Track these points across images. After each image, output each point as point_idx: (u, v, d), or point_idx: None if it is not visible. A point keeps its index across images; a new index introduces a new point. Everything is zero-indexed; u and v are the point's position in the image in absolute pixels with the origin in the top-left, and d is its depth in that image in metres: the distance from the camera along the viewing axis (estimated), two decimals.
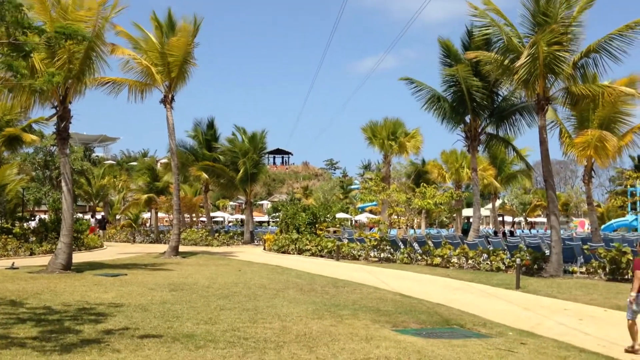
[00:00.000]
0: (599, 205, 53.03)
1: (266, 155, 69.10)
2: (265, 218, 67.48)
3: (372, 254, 25.10)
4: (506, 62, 19.18)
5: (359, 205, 62.29)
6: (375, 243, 25.12)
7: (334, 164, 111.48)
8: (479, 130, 26.43)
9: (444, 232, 42.95)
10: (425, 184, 34.15)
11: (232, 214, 71.50)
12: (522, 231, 51.16)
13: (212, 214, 53.02)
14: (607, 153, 21.80)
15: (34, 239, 27.43)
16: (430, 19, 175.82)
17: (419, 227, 46.46)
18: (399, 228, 37.27)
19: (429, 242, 24.29)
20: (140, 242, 41.72)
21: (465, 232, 30.48)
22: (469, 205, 49.92)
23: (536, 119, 20.13)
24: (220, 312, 10.69)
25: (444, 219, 57.09)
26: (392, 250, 24.32)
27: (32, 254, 25.05)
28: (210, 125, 42.10)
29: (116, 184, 53.37)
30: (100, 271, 18.52)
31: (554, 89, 19.60)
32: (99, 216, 51.79)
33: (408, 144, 39.02)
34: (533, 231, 52.44)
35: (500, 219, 54.50)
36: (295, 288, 14.58)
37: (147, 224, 56.26)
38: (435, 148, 77.20)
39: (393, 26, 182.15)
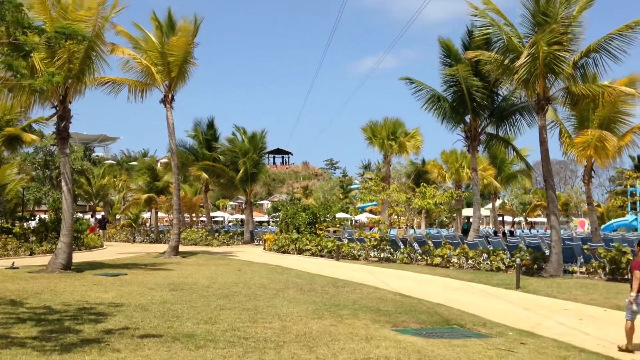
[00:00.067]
0: (599, 205, 53.03)
1: (266, 155, 69.11)
2: (265, 218, 67.49)
3: (372, 254, 25.10)
4: (506, 61, 19.19)
5: (359, 205, 62.33)
6: (375, 243, 25.11)
7: (334, 164, 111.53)
8: (479, 130, 26.43)
9: (444, 232, 42.94)
10: (425, 184, 34.16)
11: (232, 214, 71.50)
12: (522, 231, 51.17)
13: (212, 214, 53.03)
14: (607, 153, 21.80)
15: (34, 238, 27.43)
16: (430, 18, 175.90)
17: (419, 227, 46.47)
18: (399, 228, 37.27)
19: (429, 242, 24.29)
20: (140, 242, 41.72)
21: (465, 232, 30.48)
22: (469, 205, 49.92)
23: (536, 118, 20.13)
24: (220, 311, 10.69)
25: (444, 219, 57.10)
26: (392, 250, 24.32)
27: (32, 253, 25.05)
28: (210, 125, 42.13)
29: (116, 184, 53.36)
30: (100, 271, 18.52)
31: (554, 89, 19.61)
32: (99, 216, 51.80)
33: (408, 143, 39.02)
34: (533, 231, 52.45)
35: (500, 218, 54.51)
36: (295, 288, 14.58)
37: (147, 224, 56.26)
38: (435, 148, 77.23)
39: (393, 26, 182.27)
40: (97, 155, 74.93)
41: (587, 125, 23.15)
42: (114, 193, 55.85)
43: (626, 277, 16.24)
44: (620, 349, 8.30)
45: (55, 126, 19.82)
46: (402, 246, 24.26)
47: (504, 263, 19.59)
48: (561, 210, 49.57)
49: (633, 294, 8.16)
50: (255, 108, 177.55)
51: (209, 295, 12.86)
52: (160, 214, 49.94)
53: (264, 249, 32.74)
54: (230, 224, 62.07)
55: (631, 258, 16.06)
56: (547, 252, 19.66)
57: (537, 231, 51.32)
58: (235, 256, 27.27)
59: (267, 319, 9.96)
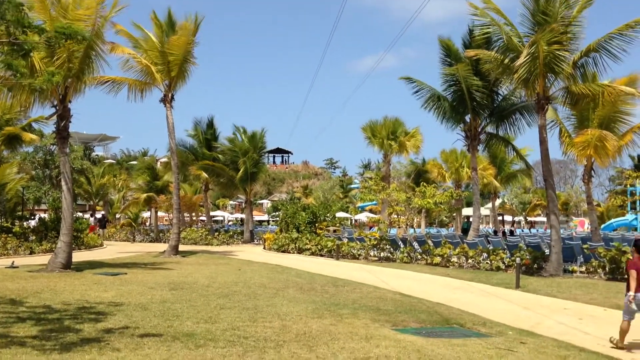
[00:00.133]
0: (598, 205, 53.05)
1: (266, 155, 69.13)
2: (265, 217, 67.50)
3: (372, 253, 25.10)
4: (506, 61, 19.19)
5: (359, 204, 62.34)
6: (375, 242, 25.12)
7: (334, 163, 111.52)
8: (479, 130, 26.43)
9: (443, 231, 42.96)
10: (425, 184, 34.16)
11: (232, 213, 71.52)
12: (522, 230, 51.19)
13: (212, 213, 53.07)
14: (607, 152, 21.80)
15: (33, 238, 27.42)
16: (430, 18, 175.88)
17: (419, 226, 46.49)
18: (399, 227, 37.27)
19: (429, 242, 24.30)
20: (140, 241, 41.72)
21: (465, 231, 30.49)
22: (468, 205, 49.94)
23: (536, 118, 20.13)
24: (220, 311, 10.69)
25: (444, 218, 57.12)
26: (391, 249, 24.33)
27: (31, 252, 25.06)
28: (210, 124, 42.15)
29: (116, 183, 53.39)
30: (100, 270, 18.52)
31: (554, 89, 19.61)
32: (99, 215, 51.79)
33: (408, 143, 39.02)
34: (533, 230, 52.46)
35: (500, 218, 54.53)
36: (295, 287, 14.58)
37: (147, 223, 56.26)
38: (435, 147, 77.14)
39: (393, 25, 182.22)
40: (97, 155, 74.95)
41: (587, 125, 23.16)
42: (114, 192, 55.87)
43: (626, 276, 16.23)
44: (611, 342, 8.40)
45: (55, 125, 19.81)
46: (402, 245, 24.26)
47: (503, 262, 19.59)
48: (561, 210, 49.58)
49: (632, 293, 8.19)
50: (255, 107, 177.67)
51: (209, 295, 12.86)
52: (160, 213, 49.92)
53: (264, 248, 32.75)
54: (230, 223, 62.09)
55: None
56: (547, 251, 19.66)
57: (537, 230, 51.33)
58: (235, 255, 27.28)
59: (267, 318, 9.96)
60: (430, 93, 26.21)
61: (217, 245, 36.65)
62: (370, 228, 45.25)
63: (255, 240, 39.62)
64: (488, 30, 19.95)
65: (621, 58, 18.09)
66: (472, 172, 27.46)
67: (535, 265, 18.65)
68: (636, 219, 44.02)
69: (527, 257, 18.85)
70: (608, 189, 74.39)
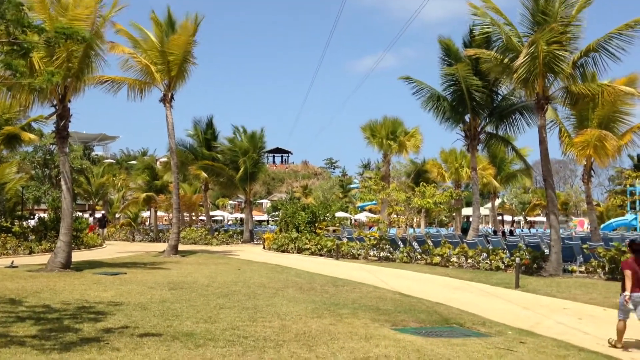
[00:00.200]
0: (598, 205, 53.06)
1: (265, 154, 69.13)
2: (264, 217, 67.48)
3: (371, 253, 25.10)
4: (506, 60, 19.19)
5: (359, 204, 62.32)
6: (374, 242, 25.12)
7: (334, 163, 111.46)
8: (479, 130, 26.43)
9: (443, 231, 42.97)
10: (424, 183, 34.15)
11: (231, 213, 71.52)
12: (522, 230, 51.21)
13: (211, 213, 53.06)
14: (606, 152, 21.80)
15: (33, 237, 27.41)
16: (430, 18, 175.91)
17: (419, 226, 46.47)
18: (399, 227, 37.28)
19: (429, 241, 24.31)
20: (140, 241, 41.69)
21: (465, 231, 30.49)
22: (468, 205, 49.92)
23: (536, 118, 20.14)
24: (219, 310, 10.69)
25: (444, 218, 57.11)
26: (391, 249, 24.33)
27: (31, 252, 25.04)
28: (209, 124, 42.10)
29: (115, 183, 53.36)
30: (99, 270, 18.52)
31: (554, 88, 19.62)
32: (98, 215, 51.75)
33: (407, 142, 38.98)
34: (532, 230, 52.48)
35: (499, 218, 54.53)
36: (295, 287, 14.58)
37: (147, 223, 56.24)
38: (435, 147, 77.30)
39: (392, 25, 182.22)
40: (97, 154, 74.97)
41: (587, 125, 23.15)
42: (113, 192, 55.85)
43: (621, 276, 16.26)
44: (609, 344, 8.44)
45: (54, 125, 19.81)
46: (401, 245, 24.27)
47: (503, 262, 19.60)
48: (560, 210, 49.57)
49: (627, 293, 8.26)
50: (255, 107, 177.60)
51: (209, 294, 12.86)
52: (159, 213, 49.90)
53: (264, 248, 32.74)
54: (229, 223, 62.09)
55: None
56: (546, 251, 19.67)
57: (537, 230, 51.36)
58: (235, 255, 27.28)
59: (267, 318, 9.96)
60: (430, 93, 26.20)
61: (217, 245, 36.63)
62: (370, 228, 45.24)
63: (255, 240, 39.60)
64: (488, 30, 19.95)
65: (621, 58, 18.14)
66: (471, 171, 27.46)
67: (535, 265, 18.65)
68: (636, 218, 44.05)
69: (527, 257, 18.86)
70: (607, 189, 74.43)
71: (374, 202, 51.67)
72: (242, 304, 11.51)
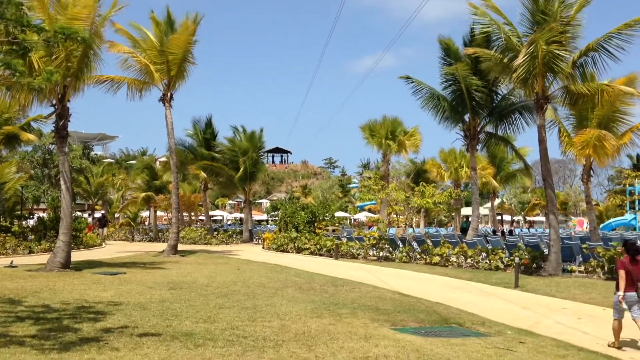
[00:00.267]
0: (597, 204, 53.11)
1: (265, 154, 69.08)
2: (264, 217, 67.49)
3: (371, 253, 25.10)
4: (505, 60, 19.19)
5: (358, 204, 62.31)
6: (374, 242, 25.12)
7: (333, 163, 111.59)
8: (478, 129, 26.41)
9: (442, 231, 42.95)
10: (424, 183, 34.15)
11: (231, 213, 71.50)
12: (521, 230, 51.22)
13: (211, 213, 53.03)
14: (605, 152, 21.78)
15: (32, 237, 27.40)
16: (429, 17, 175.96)
17: (418, 225, 46.50)
18: (398, 227, 37.30)
19: (428, 241, 24.31)
20: (139, 241, 41.67)
21: (464, 231, 30.50)
22: (467, 204, 49.90)
23: (535, 118, 20.14)
24: (219, 310, 10.69)
25: (443, 218, 57.12)
26: (390, 249, 24.33)
27: (30, 252, 25.03)
28: (209, 123, 42.07)
29: (114, 182, 53.33)
30: (99, 269, 18.51)
31: (553, 88, 19.62)
32: (98, 214, 51.70)
33: (407, 142, 38.99)
34: (532, 230, 52.48)
35: (498, 217, 54.52)
36: (294, 287, 14.58)
37: (146, 223, 56.22)
38: (434, 146, 77.53)
39: (392, 25, 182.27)
40: (96, 154, 74.84)
41: (586, 125, 23.14)
42: (113, 192, 55.82)
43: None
44: (608, 344, 8.47)
45: (53, 125, 19.79)
46: (401, 245, 24.27)
47: (502, 262, 19.60)
48: (560, 209, 49.60)
49: (621, 293, 8.34)
50: (255, 107, 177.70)
51: (208, 294, 12.85)
52: (159, 213, 49.89)
53: (263, 247, 32.74)
54: (229, 222, 62.07)
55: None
56: (545, 251, 19.66)
57: (536, 230, 51.37)
58: (234, 255, 27.27)
59: (266, 318, 9.96)
60: (430, 92, 26.19)
61: (216, 244, 36.62)
62: (369, 227, 45.24)
63: (254, 240, 39.59)
64: (488, 29, 19.95)
65: (620, 58, 18.12)
66: (471, 171, 27.46)
67: (534, 265, 18.66)
68: (635, 218, 44.05)
69: (526, 256, 18.86)
70: (607, 189, 74.49)
71: (373, 201, 51.66)
72: (242, 304, 11.51)
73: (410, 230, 41.52)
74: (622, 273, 8.35)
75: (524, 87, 19.49)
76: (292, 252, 28.63)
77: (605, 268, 17.14)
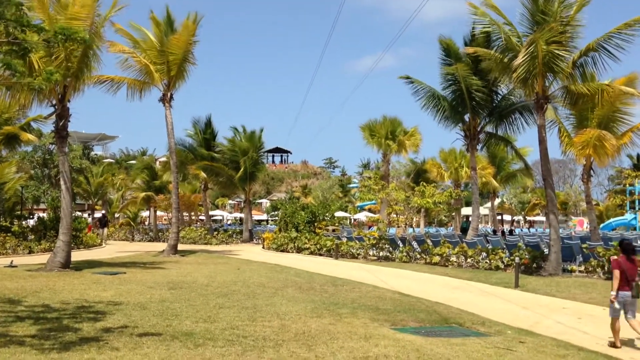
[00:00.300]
0: (597, 204, 53.08)
1: (265, 154, 69.13)
2: (264, 217, 67.51)
3: (371, 253, 25.10)
4: (505, 60, 19.18)
5: (358, 204, 62.32)
6: (374, 242, 25.12)
7: (333, 163, 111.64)
8: (478, 129, 26.40)
9: (442, 230, 42.97)
10: (424, 183, 34.15)
11: (231, 213, 71.51)
12: (521, 230, 51.21)
13: (211, 213, 53.02)
14: (606, 152, 21.77)
15: (32, 237, 27.40)
16: (429, 17, 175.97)
17: (418, 225, 46.50)
18: (398, 227, 37.31)
19: (428, 241, 24.31)
20: (139, 241, 41.69)
21: (464, 230, 30.50)
22: (467, 204, 49.94)
23: (535, 118, 20.13)
24: (219, 310, 10.68)
25: (443, 218, 57.14)
26: (391, 248, 24.32)
27: (30, 252, 25.02)
28: (208, 123, 42.07)
29: (114, 182, 53.33)
30: (99, 269, 18.51)
31: (553, 88, 19.60)
32: (98, 214, 51.67)
33: (407, 142, 38.99)
34: (532, 230, 52.48)
35: (499, 217, 54.52)
36: (294, 286, 14.58)
37: (146, 222, 56.21)
38: (434, 146, 77.65)
39: (392, 25, 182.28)
40: (96, 154, 74.87)
41: (586, 125, 23.13)
42: (113, 192, 55.82)
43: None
44: (610, 345, 8.47)
45: (53, 125, 19.78)
46: (401, 245, 24.26)
47: (502, 262, 19.60)
48: (560, 209, 49.60)
49: (613, 292, 8.40)
50: (255, 107, 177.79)
51: (208, 294, 12.85)
52: (159, 213, 49.86)
53: (263, 247, 32.74)
54: (229, 222, 62.09)
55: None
56: (546, 251, 19.66)
57: (536, 230, 51.37)
58: (234, 255, 27.26)
59: (266, 318, 9.96)
60: (430, 93, 26.17)
61: (216, 244, 36.62)
62: (370, 227, 45.25)
63: (254, 240, 39.59)
64: (488, 29, 19.95)
65: (620, 57, 18.09)
66: (471, 171, 27.45)
67: (534, 265, 18.65)
68: (635, 218, 44.05)
69: (526, 256, 18.86)
70: (607, 189, 74.49)
71: (373, 201, 51.67)
72: (242, 304, 11.51)
73: (410, 230, 41.53)
74: (616, 273, 8.42)
75: (524, 87, 19.49)
76: (292, 252, 28.63)
77: (606, 268, 17.12)
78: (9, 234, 26.19)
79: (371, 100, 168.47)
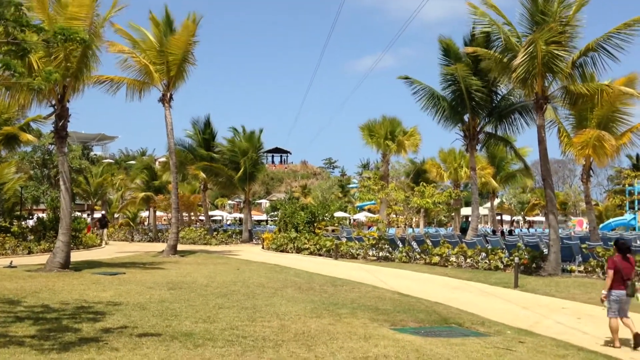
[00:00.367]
0: (597, 204, 53.12)
1: (265, 154, 69.11)
2: (263, 217, 67.51)
3: (370, 253, 25.10)
4: (505, 60, 19.19)
5: (358, 204, 62.33)
6: (373, 242, 25.12)
7: (333, 163, 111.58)
8: (478, 129, 26.41)
9: (442, 230, 42.98)
10: (424, 183, 34.15)
11: (230, 213, 71.50)
12: (521, 230, 51.24)
13: (210, 213, 53.02)
14: (605, 152, 21.78)
15: (32, 237, 27.37)
16: (429, 17, 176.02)
17: (418, 225, 46.50)
18: (398, 227, 37.32)
19: (428, 241, 24.31)
20: (139, 241, 41.67)
21: (464, 231, 30.51)
22: (467, 204, 49.94)
23: (535, 118, 20.14)
24: (218, 310, 10.68)
25: (443, 218, 57.13)
26: (390, 249, 24.33)
27: (30, 252, 25.01)
28: (207, 123, 42.05)
29: (114, 182, 53.33)
30: (98, 270, 18.50)
31: (553, 88, 19.61)
32: (98, 215, 51.64)
33: (406, 142, 38.95)
34: (531, 230, 52.49)
35: (498, 218, 54.54)
36: (294, 287, 14.58)
37: (146, 223, 56.19)
38: (434, 146, 77.70)
39: (391, 25, 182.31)
40: (96, 154, 74.85)
41: (586, 125, 23.14)
42: (112, 192, 55.80)
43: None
44: (609, 345, 8.50)
45: (53, 125, 19.77)
46: (400, 245, 24.27)
47: (502, 262, 19.60)
48: (559, 209, 49.63)
49: (604, 291, 8.51)
50: (255, 107, 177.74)
51: (208, 294, 12.85)
52: (158, 213, 49.84)
53: (263, 247, 32.74)
54: (228, 222, 62.08)
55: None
56: (545, 251, 19.67)
57: (536, 230, 51.39)
58: (234, 255, 27.26)
59: (266, 318, 9.96)
60: (430, 93, 26.17)
61: (216, 244, 36.61)
62: (369, 227, 45.26)
63: (254, 240, 39.59)
64: (487, 29, 19.96)
65: (620, 58, 18.11)
66: (470, 171, 27.47)
67: (534, 265, 18.66)
68: (635, 218, 44.06)
69: (526, 256, 18.87)
70: (606, 189, 74.55)
71: (373, 201, 51.68)
72: (241, 304, 11.51)
73: (410, 230, 41.53)
74: (610, 272, 8.50)
75: (523, 87, 19.49)
76: (292, 252, 28.63)
77: (605, 268, 17.11)
78: (8, 235, 26.15)
79: (371, 101, 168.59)
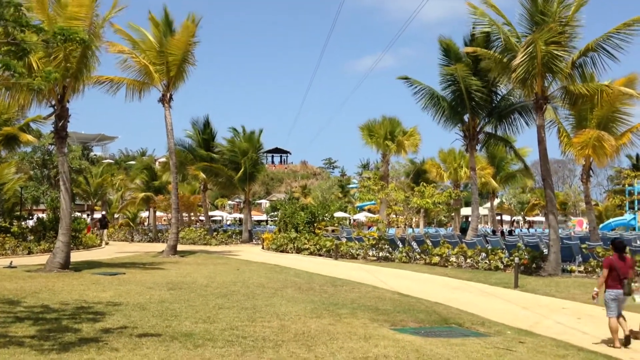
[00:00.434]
0: (597, 204, 53.12)
1: (264, 154, 69.14)
2: (263, 217, 67.49)
3: (370, 253, 25.10)
4: (504, 60, 19.19)
5: (358, 204, 62.32)
6: (373, 242, 25.12)
7: (333, 163, 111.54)
8: (477, 130, 26.41)
9: (442, 231, 42.99)
10: (424, 183, 34.14)
11: (230, 213, 71.49)
12: (521, 230, 51.23)
13: (210, 213, 53.02)
14: (605, 152, 21.78)
15: (32, 237, 27.37)
16: (429, 18, 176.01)
17: (418, 226, 46.50)
18: (398, 227, 37.30)
19: (428, 241, 24.32)
20: (139, 241, 41.66)
21: (464, 231, 30.50)
22: (467, 204, 49.93)
23: (534, 118, 20.14)
24: (218, 311, 10.68)
25: (442, 218, 57.12)
26: (390, 249, 24.33)
27: (30, 252, 25.01)
28: (207, 124, 42.05)
29: (113, 183, 53.32)
30: (98, 270, 18.50)
31: (553, 88, 19.62)
32: (98, 215, 51.63)
33: (406, 142, 38.95)
34: (531, 230, 52.49)
35: (498, 218, 54.54)
36: (294, 287, 14.58)
37: (145, 223, 56.18)
38: (434, 146, 77.67)
39: (391, 25, 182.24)
40: (96, 155, 74.82)
41: (586, 125, 23.15)
42: (112, 192, 55.79)
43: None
44: (609, 345, 8.50)
45: (53, 125, 19.77)
46: (400, 245, 24.27)
47: (502, 262, 19.60)
48: (559, 210, 49.64)
49: (596, 289, 8.64)
50: (255, 107, 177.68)
51: (208, 295, 12.85)
52: (158, 213, 49.83)
53: (263, 248, 32.73)
54: (228, 223, 62.06)
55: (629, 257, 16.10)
56: (545, 251, 19.67)
57: (536, 230, 51.38)
58: (234, 255, 27.26)
59: (266, 318, 9.96)
60: (429, 93, 26.17)
61: (216, 245, 36.61)
62: (369, 228, 45.25)
63: (254, 240, 39.58)
64: (487, 30, 19.96)
65: (620, 58, 18.12)
66: (470, 171, 27.47)
67: (534, 265, 18.66)
68: (634, 218, 44.04)
69: (526, 256, 18.87)
70: (606, 189, 74.55)
71: (372, 202, 51.68)
72: (241, 304, 11.51)
73: (410, 230, 41.52)
74: (604, 271, 8.57)
75: (523, 87, 19.50)
76: (292, 253, 28.63)
77: None
78: (8, 235, 26.16)
79: (371, 101, 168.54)
